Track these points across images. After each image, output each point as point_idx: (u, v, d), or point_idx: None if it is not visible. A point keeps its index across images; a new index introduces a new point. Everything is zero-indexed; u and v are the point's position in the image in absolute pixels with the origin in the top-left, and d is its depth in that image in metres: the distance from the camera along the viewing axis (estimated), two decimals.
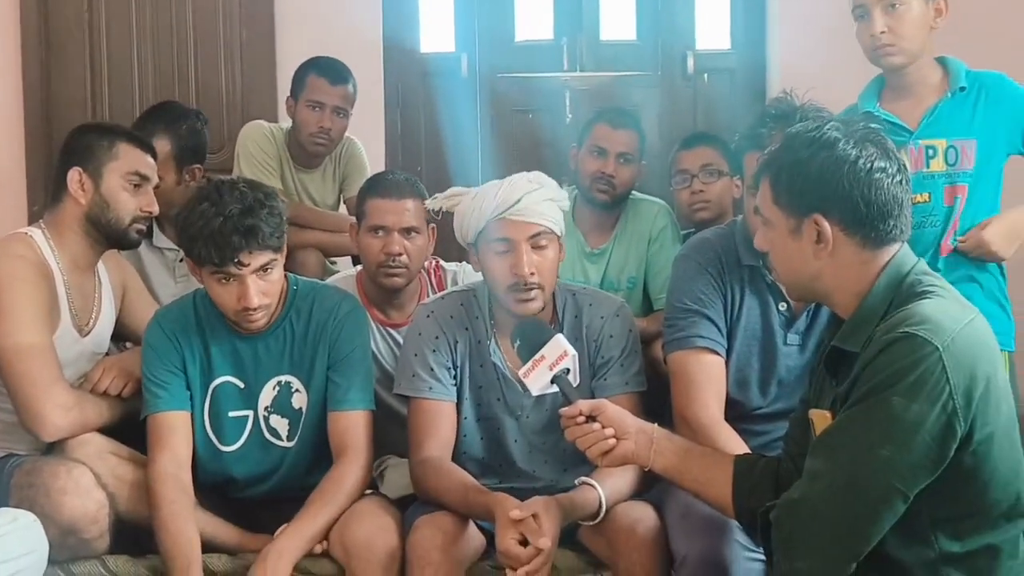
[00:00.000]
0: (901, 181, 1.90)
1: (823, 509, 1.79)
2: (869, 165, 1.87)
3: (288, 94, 3.73)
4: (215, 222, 2.42)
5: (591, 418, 2.14)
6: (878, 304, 1.88)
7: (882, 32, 2.77)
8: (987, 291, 2.85)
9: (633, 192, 3.53)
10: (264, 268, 2.48)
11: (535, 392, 2.24)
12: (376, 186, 3.00)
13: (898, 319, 1.81)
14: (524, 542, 2.23)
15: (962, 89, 2.83)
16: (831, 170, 1.87)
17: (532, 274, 2.47)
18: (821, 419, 1.94)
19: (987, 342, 1.86)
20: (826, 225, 1.89)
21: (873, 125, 1.96)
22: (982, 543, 1.84)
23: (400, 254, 2.89)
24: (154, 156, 2.83)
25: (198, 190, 2.57)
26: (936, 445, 1.75)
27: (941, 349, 1.75)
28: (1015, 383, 2.71)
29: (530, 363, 2.20)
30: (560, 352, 2.18)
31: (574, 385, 2.22)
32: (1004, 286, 2.91)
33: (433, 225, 2.99)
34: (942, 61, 2.88)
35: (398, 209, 2.91)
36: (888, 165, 1.88)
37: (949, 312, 1.82)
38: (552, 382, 2.20)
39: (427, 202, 2.72)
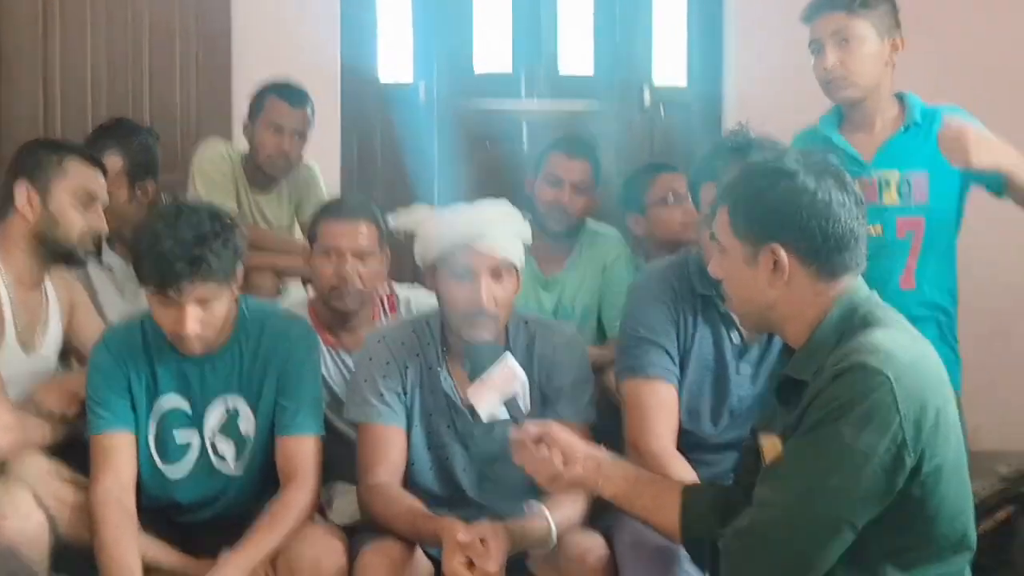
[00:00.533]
0: (857, 216, 1.92)
1: (772, 537, 1.80)
2: (828, 197, 1.88)
3: (245, 117, 3.71)
4: (164, 244, 2.39)
5: (539, 442, 2.13)
6: (830, 334, 1.89)
7: (833, 66, 2.81)
8: (941, 330, 2.88)
9: (588, 221, 3.55)
10: (206, 299, 2.44)
11: (484, 417, 2.22)
12: (330, 209, 2.99)
13: (849, 348, 1.82)
14: (471, 566, 2.21)
15: (916, 124, 2.86)
16: (790, 200, 1.89)
17: (490, 305, 2.47)
18: (771, 444, 1.94)
19: (938, 374, 1.87)
20: (783, 254, 1.90)
21: (831, 158, 1.99)
22: (930, 574, 1.85)
23: (353, 277, 2.87)
24: (104, 174, 2.80)
25: (160, 207, 2.54)
26: (885, 476, 1.76)
27: (892, 380, 1.76)
28: (963, 421, 2.74)
29: (478, 381, 2.19)
30: (509, 375, 2.18)
31: (523, 412, 2.20)
32: (955, 326, 2.94)
33: (387, 249, 2.98)
34: (900, 96, 2.92)
35: (351, 232, 2.89)
36: (845, 198, 1.90)
37: (900, 343, 1.83)
38: (503, 406, 2.19)
39: (389, 216, 2.70)
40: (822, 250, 1.89)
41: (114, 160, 3.23)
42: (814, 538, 1.77)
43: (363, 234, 2.90)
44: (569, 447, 2.12)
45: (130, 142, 3.36)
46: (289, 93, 3.66)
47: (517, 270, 2.56)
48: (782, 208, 1.89)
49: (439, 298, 2.57)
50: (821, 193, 1.88)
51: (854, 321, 1.88)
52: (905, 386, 1.76)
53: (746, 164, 2.01)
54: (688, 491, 2.10)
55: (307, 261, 3.00)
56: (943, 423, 1.81)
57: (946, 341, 2.90)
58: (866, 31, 2.81)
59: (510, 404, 2.19)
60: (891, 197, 2.86)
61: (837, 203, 1.89)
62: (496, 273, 2.49)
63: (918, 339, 1.91)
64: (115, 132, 3.39)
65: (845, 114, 2.93)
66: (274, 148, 3.63)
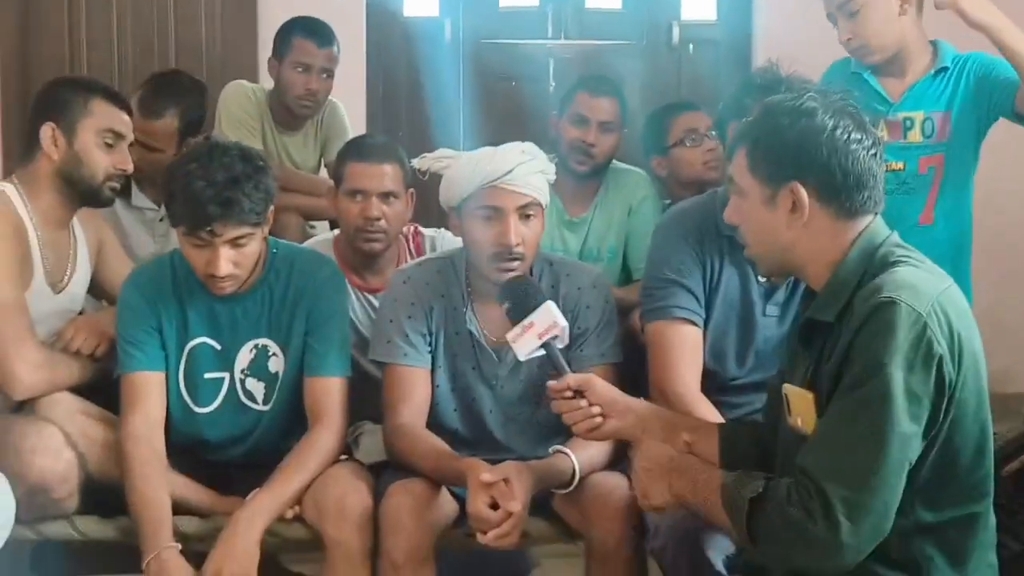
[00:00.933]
0: (876, 154, 1.91)
1: (855, 501, 1.74)
2: (846, 135, 1.88)
3: (270, 55, 3.69)
4: (197, 185, 2.39)
5: (579, 393, 2.14)
6: (851, 274, 1.88)
7: (848, 39, 2.82)
8: (956, 267, 2.89)
9: (614, 161, 3.52)
10: (238, 240, 2.45)
11: (522, 357, 2.23)
12: (355, 150, 2.97)
13: (874, 287, 1.81)
14: (495, 506, 2.24)
15: (945, 68, 2.87)
16: (810, 138, 1.88)
17: (518, 244, 2.46)
18: (798, 396, 1.92)
19: (964, 309, 1.87)
20: (803, 193, 1.89)
21: (850, 97, 1.97)
22: (956, 514, 1.85)
23: (378, 219, 2.87)
24: (130, 113, 2.80)
25: (192, 147, 2.54)
26: (933, 409, 1.77)
27: (925, 315, 1.75)
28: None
29: (519, 328, 2.19)
30: (550, 322, 2.17)
31: (564, 363, 2.21)
32: (969, 264, 2.98)
33: (412, 190, 2.97)
34: (934, 44, 2.92)
35: (377, 173, 2.89)
36: (864, 137, 1.90)
37: (925, 279, 1.83)
38: (541, 348, 2.19)
39: (415, 161, 2.69)
40: (841, 188, 1.88)
41: (171, 120, 3.32)
42: (893, 492, 1.76)
43: (388, 175, 2.89)
44: (608, 399, 2.14)
45: (188, 101, 3.41)
46: (315, 31, 3.63)
47: (543, 209, 2.55)
48: (801, 146, 1.88)
49: (465, 240, 2.56)
50: (840, 131, 1.88)
51: (875, 260, 1.88)
52: (937, 319, 1.77)
53: (764, 104, 1.99)
54: (724, 434, 2.11)
55: (332, 202, 2.99)
56: (970, 356, 1.82)
57: (959, 278, 2.91)
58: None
59: (550, 348, 2.19)
60: (915, 135, 2.88)
61: (855, 141, 1.88)
62: (523, 212, 2.48)
63: (941, 275, 1.90)
64: (174, 90, 3.42)
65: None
66: (302, 88, 3.61)
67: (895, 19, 2.82)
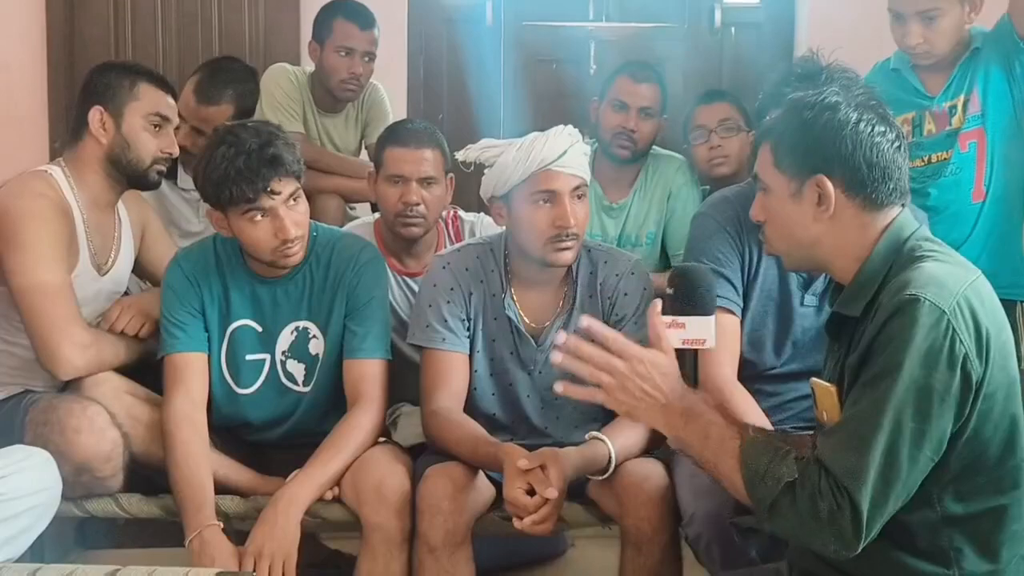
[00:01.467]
0: (900, 147, 1.91)
1: (865, 497, 1.74)
2: (870, 128, 1.88)
3: (311, 38, 3.70)
4: (239, 160, 2.44)
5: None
6: (878, 268, 1.88)
7: (917, 44, 2.84)
8: (1007, 238, 2.93)
9: (654, 147, 3.51)
10: (293, 198, 2.51)
11: None
12: (395, 135, 2.98)
13: (901, 282, 1.81)
14: (532, 492, 2.25)
15: (976, 50, 2.91)
16: (834, 131, 1.88)
17: (575, 224, 2.48)
18: (822, 390, 1.93)
19: (991, 302, 1.86)
20: (828, 186, 1.89)
21: (873, 93, 1.98)
22: (986, 506, 1.85)
23: (418, 204, 2.89)
24: (175, 97, 2.83)
25: (210, 139, 2.57)
26: (958, 406, 1.76)
27: (948, 312, 1.75)
28: (1019, 332, 2.76)
29: (670, 320, 2.02)
30: (704, 336, 2.03)
31: None
32: (1020, 234, 2.99)
33: (451, 175, 2.98)
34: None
35: (417, 159, 2.90)
36: (888, 130, 1.90)
37: (952, 274, 1.82)
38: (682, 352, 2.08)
39: (459, 153, 2.69)
40: (867, 180, 1.88)
41: (226, 108, 3.39)
42: (907, 485, 1.76)
43: (428, 160, 2.91)
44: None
45: (242, 89, 3.46)
46: (357, 14, 3.64)
47: (588, 188, 2.57)
48: (826, 140, 1.89)
49: (517, 226, 2.56)
50: (864, 124, 1.88)
51: (902, 254, 1.88)
52: (962, 316, 1.76)
53: (788, 100, 1.99)
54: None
55: (372, 186, 3.01)
56: (998, 350, 1.81)
57: (1016, 246, 2.93)
58: (951, 5, 2.80)
59: (684, 352, 2.08)
60: (958, 120, 2.92)
61: (880, 134, 1.89)
62: (576, 194, 2.50)
63: (969, 268, 1.90)
64: (231, 77, 3.48)
65: None
66: (346, 72, 3.62)
67: (960, 28, 2.86)
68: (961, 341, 1.75)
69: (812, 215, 1.91)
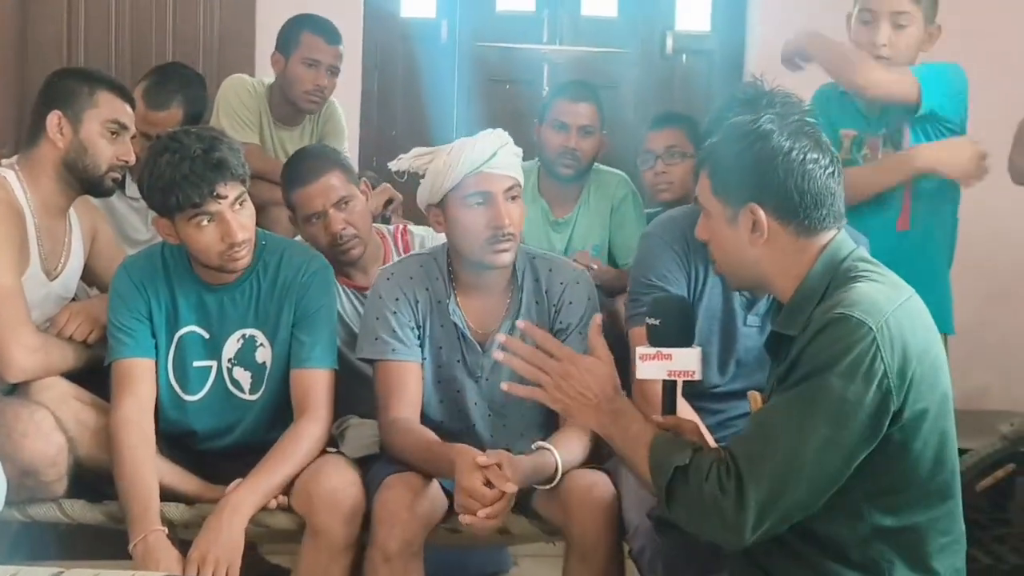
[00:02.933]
0: (833, 172, 1.96)
1: (762, 490, 1.80)
2: (802, 156, 1.93)
3: (275, 51, 3.71)
4: (184, 165, 2.45)
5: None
6: (814, 288, 1.94)
7: (883, 45, 2.87)
8: (934, 268, 2.98)
9: (595, 164, 3.59)
10: (239, 201, 2.52)
11: (640, 376, 2.13)
12: (295, 176, 2.96)
13: (833, 302, 1.87)
14: (488, 485, 2.26)
15: None
16: (766, 160, 1.93)
17: (509, 225, 2.51)
18: (755, 400, 2.01)
19: (922, 321, 1.92)
20: (761, 214, 1.95)
21: (808, 119, 2.03)
22: (914, 519, 1.90)
23: (344, 228, 2.90)
24: (133, 106, 2.83)
25: (152, 147, 2.57)
26: (871, 423, 1.81)
27: (875, 330, 1.80)
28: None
29: (655, 351, 2.09)
30: (690, 368, 2.09)
31: None
32: (947, 265, 3.05)
33: (364, 180, 3.01)
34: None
35: (323, 189, 2.90)
36: (820, 156, 1.95)
37: (883, 293, 1.88)
38: (663, 382, 2.14)
39: (391, 164, 2.70)
40: (799, 208, 1.93)
41: (176, 113, 3.39)
42: (810, 486, 1.81)
43: (335, 185, 2.91)
44: None
45: (191, 94, 3.47)
46: (325, 29, 3.67)
47: (521, 190, 2.61)
48: (758, 169, 1.94)
49: (454, 231, 2.58)
50: (796, 152, 1.93)
51: (838, 274, 1.93)
52: (888, 335, 1.81)
53: (724, 127, 2.05)
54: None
55: (296, 229, 3.00)
56: (928, 369, 1.86)
57: (939, 281, 2.98)
58: (919, 16, 2.90)
59: (669, 385, 2.14)
60: (888, 148, 2.98)
61: (812, 161, 1.93)
62: (509, 194, 2.53)
63: (901, 288, 1.95)
64: (179, 82, 3.48)
65: None
66: (311, 83, 3.64)
67: (918, 48, 2.92)
68: (882, 358, 1.80)
69: (748, 240, 1.97)
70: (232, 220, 2.50)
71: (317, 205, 2.90)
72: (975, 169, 2.92)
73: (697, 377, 2.11)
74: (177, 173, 2.45)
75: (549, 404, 2.04)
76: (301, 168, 2.97)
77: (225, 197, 2.49)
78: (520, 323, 2.09)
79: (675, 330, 2.11)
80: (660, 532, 2.18)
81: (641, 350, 2.12)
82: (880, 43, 2.86)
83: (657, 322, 2.11)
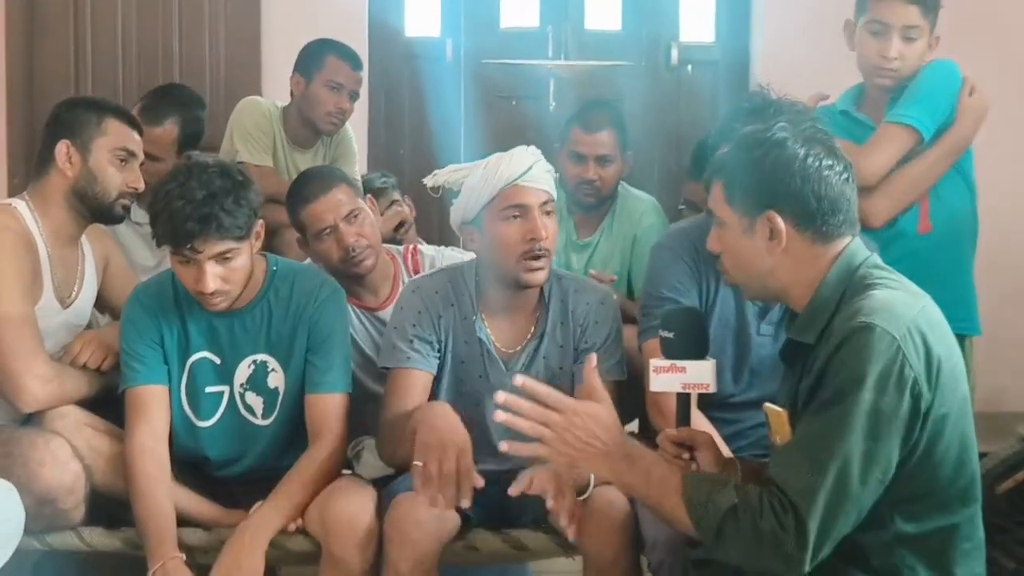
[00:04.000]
0: (847, 179, 1.97)
1: (819, 517, 1.79)
2: (818, 163, 1.94)
3: (295, 71, 3.73)
4: (175, 204, 2.43)
5: (689, 448, 2.13)
6: (830, 296, 1.94)
7: (895, 58, 2.86)
8: (958, 268, 2.96)
9: (622, 186, 3.52)
10: (223, 256, 2.48)
11: (653, 388, 2.13)
12: (303, 195, 2.96)
13: (852, 310, 1.86)
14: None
15: None
16: (783, 167, 1.94)
17: (545, 238, 2.50)
18: (774, 414, 1.98)
19: (940, 327, 1.92)
20: (779, 221, 1.94)
21: (819, 126, 2.03)
22: (937, 524, 1.89)
23: (356, 240, 2.89)
24: (140, 133, 2.85)
25: (173, 169, 2.58)
26: (907, 430, 1.81)
27: (899, 339, 1.81)
28: (970, 366, 2.80)
29: (669, 363, 2.10)
30: (704, 381, 2.09)
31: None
32: (970, 265, 3.03)
33: (369, 196, 3.02)
34: None
35: (332, 204, 2.91)
36: (835, 163, 1.96)
37: (901, 300, 1.88)
38: (677, 395, 2.14)
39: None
40: (816, 214, 1.94)
41: (171, 129, 3.39)
42: (857, 506, 1.81)
43: (342, 200, 2.91)
44: (709, 466, 2.11)
45: (188, 112, 3.48)
46: (349, 55, 3.73)
47: (555, 204, 2.59)
48: (774, 176, 1.94)
49: (489, 247, 2.56)
50: (811, 159, 1.93)
51: (854, 282, 1.93)
52: (912, 342, 1.82)
53: (737, 137, 2.04)
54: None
55: (306, 250, 3.00)
56: (948, 373, 1.86)
57: (964, 279, 2.98)
58: (928, 29, 2.89)
59: (683, 397, 2.15)
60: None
61: (827, 167, 1.94)
62: (544, 209, 2.52)
63: (917, 294, 1.95)
64: (175, 100, 3.50)
65: (868, 91, 3.01)
66: (333, 105, 3.68)
67: (924, 57, 2.90)
68: (911, 366, 1.80)
69: (765, 249, 1.97)
70: (207, 271, 2.47)
71: (328, 219, 2.90)
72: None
73: (712, 390, 2.11)
74: (167, 209, 2.44)
75: (553, 459, 1.96)
76: (308, 186, 2.98)
77: (201, 252, 2.45)
78: (517, 380, 1.96)
79: (689, 343, 2.11)
80: (698, 570, 2.15)
81: (655, 362, 2.11)
82: (892, 56, 2.86)
83: (671, 335, 2.11)
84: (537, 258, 2.50)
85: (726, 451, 2.27)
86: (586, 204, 3.45)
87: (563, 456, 1.94)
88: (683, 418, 2.14)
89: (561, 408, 1.93)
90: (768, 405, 2.02)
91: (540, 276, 2.54)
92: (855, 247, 1.98)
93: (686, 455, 2.13)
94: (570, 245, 3.49)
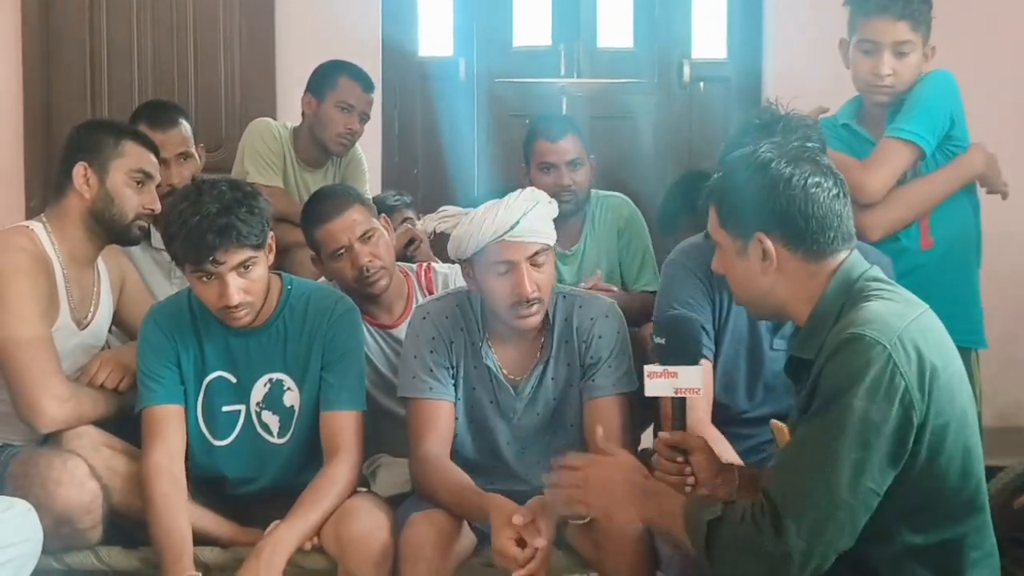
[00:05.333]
0: (838, 194, 1.97)
1: (804, 524, 1.80)
2: (803, 181, 1.94)
3: (307, 92, 3.75)
4: (192, 221, 2.45)
5: (684, 452, 2.15)
6: (828, 310, 1.94)
7: (888, 75, 2.86)
8: (963, 282, 2.97)
9: (593, 190, 3.56)
10: (244, 265, 2.50)
11: (648, 393, 2.19)
12: (318, 215, 2.97)
13: (845, 322, 1.87)
14: (520, 542, 2.26)
15: None
16: (768, 189, 1.95)
17: (534, 291, 2.49)
18: (780, 432, 2.01)
19: (937, 335, 1.92)
20: (768, 243, 1.96)
21: (808, 144, 2.06)
22: (945, 535, 1.89)
23: (370, 260, 2.89)
24: (158, 155, 2.87)
25: (181, 191, 2.60)
26: (898, 439, 1.81)
27: (890, 347, 1.81)
28: (976, 379, 2.79)
29: (662, 370, 2.16)
30: (696, 385, 2.15)
31: None
32: (975, 279, 3.03)
33: (383, 215, 3.03)
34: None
35: (346, 225, 2.90)
36: (823, 180, 1.96)
37: (894, 311, 1.88)
38: (671, 399, 2.18)
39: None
40: (805, 233, 1.95)
41: (186, 125, 3.36)
42: (849, 514, 1.80)
43: (357, 220, 2.91)
44: (706, 471, 2.15)
45: (187, 119, 3.47)
46: (361, 77, 3.75)
47: (552, 250, 2.58)
48: (760, 199, 1.96)
49: (481, 291, 2.58)
50: (797, 178, 1.94)
51: (851, 295, 1.94)
52: (903, 351, 1.82)
53: (726, 161, 2.07)
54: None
55: (320, 268, 3.01)
56: (946, 383, 1.86)
57: (969, 293, 2.98)
58: (919, 43, 2.89)
59: (678, 402, 2.19)
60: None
61: (815, 185, 1.94)
62: (534, 261, 2.50)
63: (914, 304, 1.95)
64: (166, 104, 3.49)
65: (866, 106, 3.02)
66: (343, 126, 3.70)
67: (919, 70, 2.91)
68: (902, 374, 1.80)
69: (759, 269, 1.98)
70: (231, 284, 2.49)
71: (343, 239, 2.91)
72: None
73: (701, 394, 2.15)
74: (183, 229, 2.46)
75: (593, 513, 2.11)
76: (323, 206, 2.99)
77: (224, 263, 2.48)
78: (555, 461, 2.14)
79: (679, 348, 2.16)
80: None
81: (649, 368, 2.16)
82: (884, 74, 2.87)
83: (662, 340, 2.17)
84: (528, 306, 2.50)
85: (729, 457, 2.27)
86: (565, 212, 3.47)
87: (598, 509, 2.07)
88: (678, 422, 2.17)
89: (582, 466, 2.09)
90: (774, 422, 2.03)
91: (532, 322, 2.53)
92: (852, 261, 1.99)
93: (680, 459, 2.15)
94: (557, 257, 3.51)
